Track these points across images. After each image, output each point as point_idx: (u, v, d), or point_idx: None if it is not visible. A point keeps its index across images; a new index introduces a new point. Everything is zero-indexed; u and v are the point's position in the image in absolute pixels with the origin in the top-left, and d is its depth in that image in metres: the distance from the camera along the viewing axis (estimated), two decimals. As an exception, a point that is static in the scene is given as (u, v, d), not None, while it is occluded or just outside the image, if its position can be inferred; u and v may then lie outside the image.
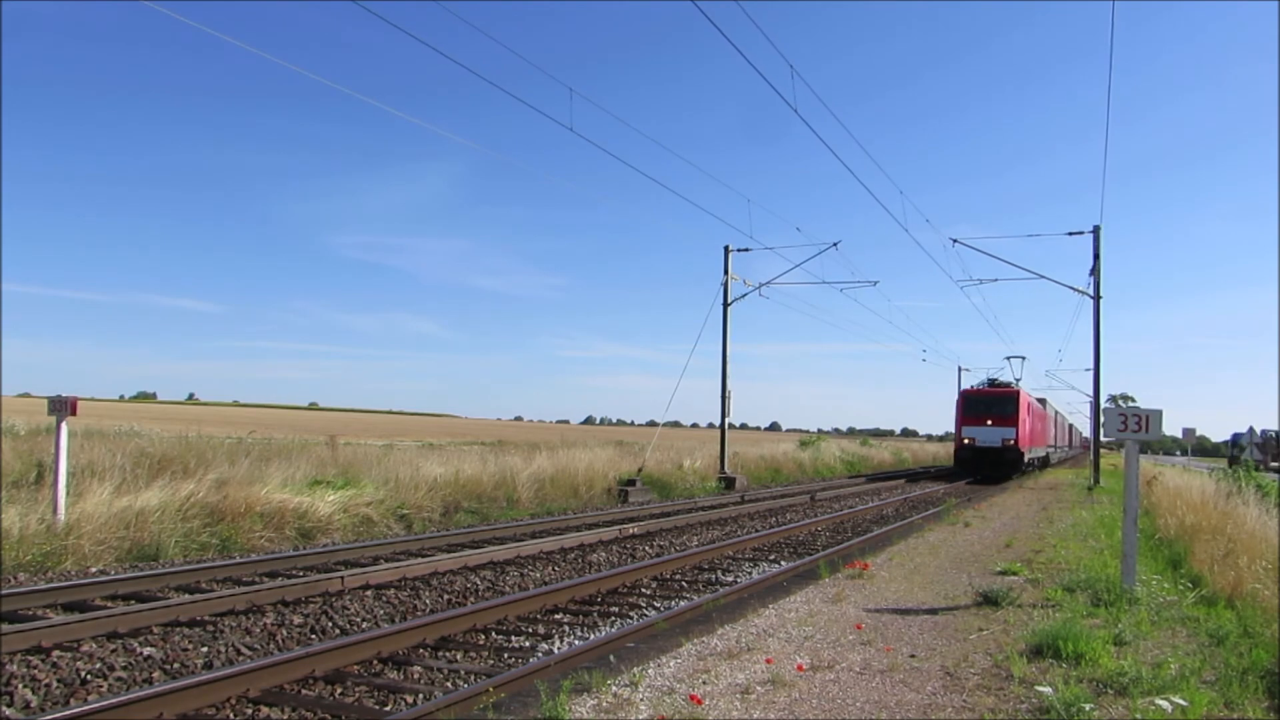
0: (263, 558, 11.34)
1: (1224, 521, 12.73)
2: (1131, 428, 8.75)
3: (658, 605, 9.58)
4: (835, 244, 29.53)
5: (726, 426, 30.26)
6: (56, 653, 6.71)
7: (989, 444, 35.84)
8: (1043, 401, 47.90)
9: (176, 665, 6.69)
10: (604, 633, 8.17)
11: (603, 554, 13.50)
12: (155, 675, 6.44)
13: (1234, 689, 5.44)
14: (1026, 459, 38.07)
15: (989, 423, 36.00)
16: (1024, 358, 46.52)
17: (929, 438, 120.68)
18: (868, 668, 5.96)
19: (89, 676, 6.24)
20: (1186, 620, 7.67)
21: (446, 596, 9.86)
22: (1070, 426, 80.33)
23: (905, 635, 7.01)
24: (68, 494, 11.79)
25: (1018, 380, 41.35)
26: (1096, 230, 30.04)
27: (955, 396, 40.26)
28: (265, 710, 5.70)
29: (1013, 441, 35.69)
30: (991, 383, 39.77)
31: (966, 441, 36.60)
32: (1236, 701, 5.25)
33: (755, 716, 4.88)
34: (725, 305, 29.96)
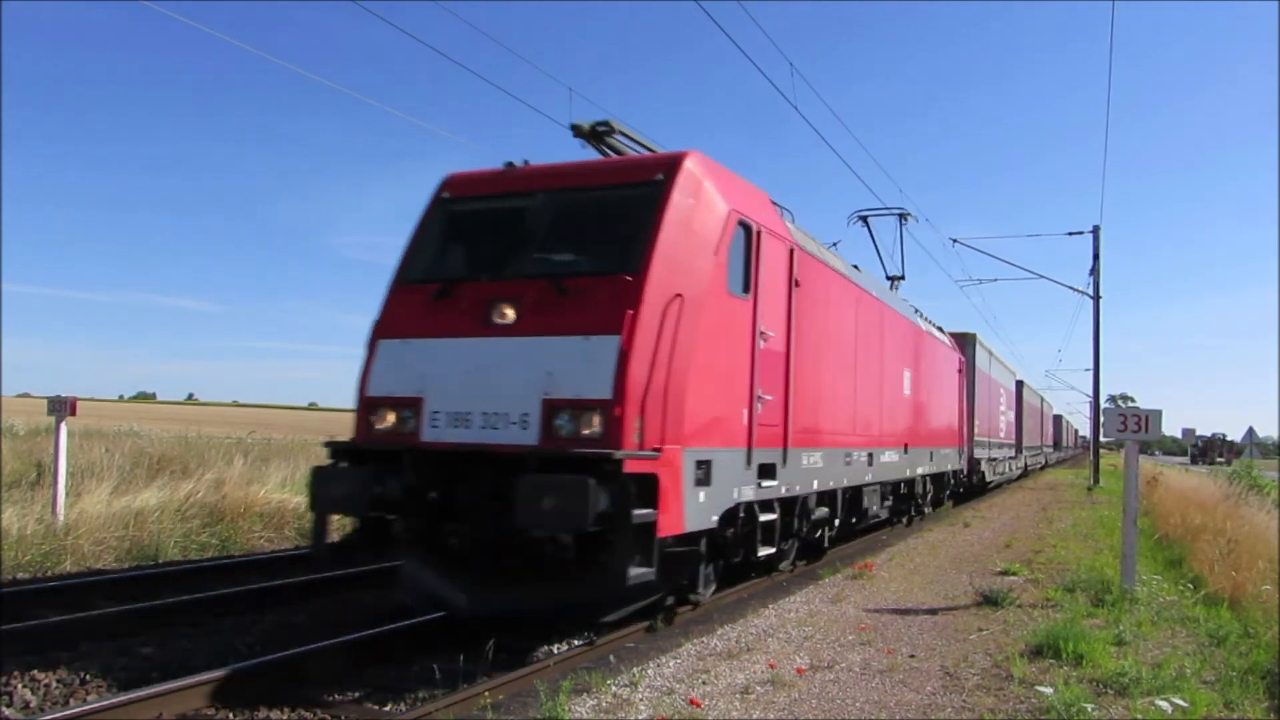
0: (263, 557, 11.33)
1: (1225, 521, 12.75)
2: (1131, 428, 8.75)
3: (657, 605, 9.50)
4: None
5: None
6: (56, 653, 6.70)
7: (468, 437, 6.68)
8: (962, 344, 20.73)
9: (176, 665, 6.68)
10: (604, 633, 8.14)
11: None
12: (155, 675, 6.43)
13: (1234, 689, 5.44)
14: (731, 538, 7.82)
15: (499, 318, 6.83)
16: (906, 215, 17.06)
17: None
18: (867, 668, 5.96)
19: (89, 676, 6.23)
20: (1187, 620, 7.67)
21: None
22: (1058, 419, 58.65)
23: (905, 635, 7.00)
24: (67, 494, 11.78)
25: (894, 285, 17.22)
26: (1096, 230, 30.03)
27: None
28: (265, 710, 5.69)
29: (603, 425, 6.26)
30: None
31: (380, 427, 7.16)
32: (1236, 702, 5.25)
33: (755, 716, 4.88)
34: (724, 305, 29.47)
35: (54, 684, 6.04)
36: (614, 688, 5.32)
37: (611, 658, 6.08)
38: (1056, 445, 56.06)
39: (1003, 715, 4.99)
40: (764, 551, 8.41)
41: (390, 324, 7.47)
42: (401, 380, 7.13)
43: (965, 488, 21.67)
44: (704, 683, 5.46)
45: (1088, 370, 32.45)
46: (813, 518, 10.01)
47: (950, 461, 18.31)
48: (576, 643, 7.07)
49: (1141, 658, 6.20)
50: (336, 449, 7.37)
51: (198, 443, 20.93)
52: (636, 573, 6.05)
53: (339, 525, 8.54)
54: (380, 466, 6.79)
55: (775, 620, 7.44)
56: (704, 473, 7.04)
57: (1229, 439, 55.53)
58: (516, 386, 6.61)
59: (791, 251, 8.99)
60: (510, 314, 6.87)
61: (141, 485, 12.97)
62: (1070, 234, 30.75)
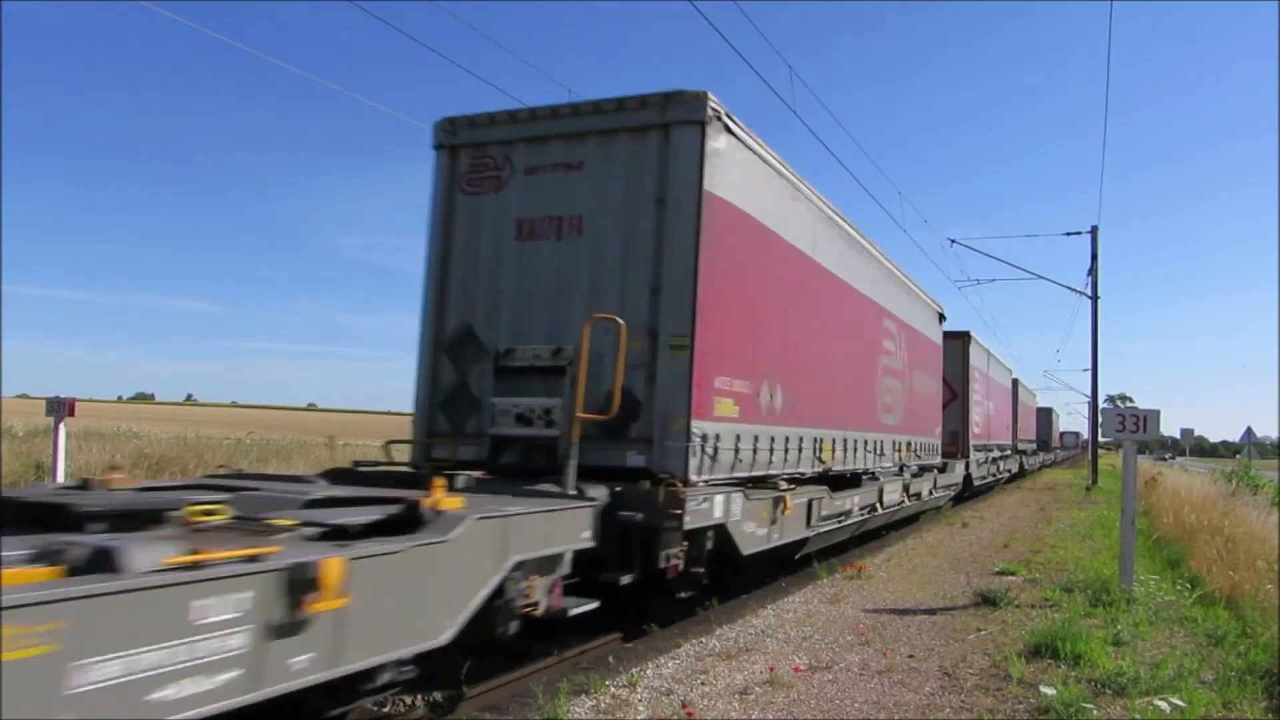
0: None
1: (1223, 521, 12.76)
2: (1130, 428, 8.75)
3: (656, 606, 9.50)
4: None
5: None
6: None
7: None
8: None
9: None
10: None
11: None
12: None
13: (1232, 689, 5.45)
14: None
15: None
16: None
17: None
18: (866, 668, 5.96)
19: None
20: (1185, 620, 7.67)
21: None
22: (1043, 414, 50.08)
23: (903, 635, 7.01)
24: (65, 495, 11.76)
25: None
26: (1094, 231, 30.05)
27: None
28: (263, 711, 5.68)
29: None
30: None
31: None
32: (1234, 702, 5.25)
33: (753, 717, 4.88)
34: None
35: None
36: (612, 688, 5.32)
37: (610, 658, 6.08)
38: (1063, 446, 64.23)
39: (1001, 715, 4.99)
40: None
41: None
42: None
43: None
44: (702, 683, 5.46)
45: (1086, 370, 32.71)
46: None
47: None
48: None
49: (1140, 657, 6.21)
50: None
51: (196, 444, 20.91)
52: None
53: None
54: None
55: (773, 621, 7.44)
56: None
57: (1170, 439, 65.82)
58: None
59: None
60: None
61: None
62: (1068, 234, 30.84)
